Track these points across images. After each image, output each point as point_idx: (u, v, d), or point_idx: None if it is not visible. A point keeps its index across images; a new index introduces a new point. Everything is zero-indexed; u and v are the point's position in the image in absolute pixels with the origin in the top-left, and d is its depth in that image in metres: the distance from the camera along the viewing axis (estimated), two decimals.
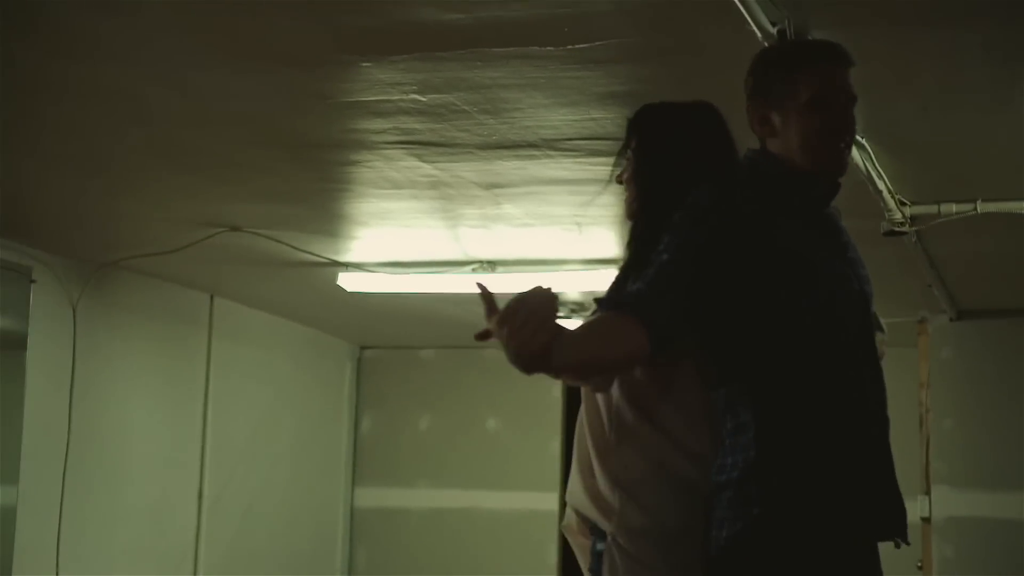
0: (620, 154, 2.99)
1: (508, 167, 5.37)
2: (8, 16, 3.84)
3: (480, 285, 2.39)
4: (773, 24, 3.63)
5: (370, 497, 10.40)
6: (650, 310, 2.48)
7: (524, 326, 2.33)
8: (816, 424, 2.52)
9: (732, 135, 2.91)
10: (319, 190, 5.92)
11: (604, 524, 2.79)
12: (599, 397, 2.86)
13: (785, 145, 2.65)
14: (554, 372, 2.47)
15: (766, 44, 3.62)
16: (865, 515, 2.54)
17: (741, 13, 3.48)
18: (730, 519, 2.53)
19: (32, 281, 6.99)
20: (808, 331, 2.53)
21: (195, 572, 8.37)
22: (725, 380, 2.60)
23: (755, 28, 3.56)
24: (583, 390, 2.91)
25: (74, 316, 7.26)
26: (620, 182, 2.99)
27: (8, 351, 7.15)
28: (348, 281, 7.47)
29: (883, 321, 2.82)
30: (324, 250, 7.03)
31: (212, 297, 8.49)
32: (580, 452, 2.91)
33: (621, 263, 2.91)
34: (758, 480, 2.50)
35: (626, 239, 2.93)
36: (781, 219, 2.58)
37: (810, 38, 2.70)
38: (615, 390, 2.81)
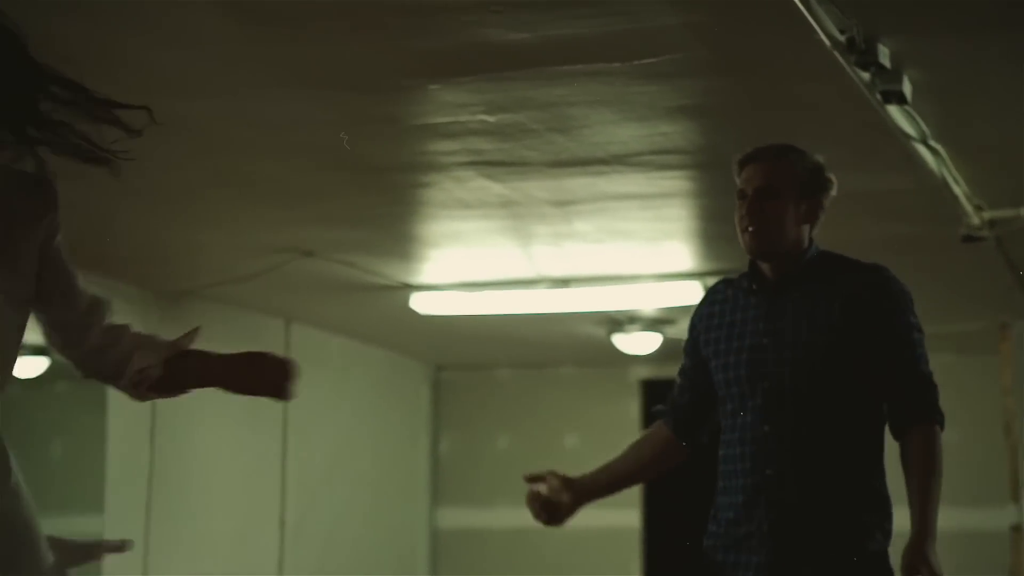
0: None
1: (578, 184, 5.35)
2: (76, 54, 3.89)
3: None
4: (841, 32, 3.60)
5: (451, 518, 10.40)
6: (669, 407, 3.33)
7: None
8: (723, 466, 3.14)
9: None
10: (390, 213, 5.94)
11: None
12: None
13: None
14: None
15: (835, 53, 3.59)
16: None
17: (808, 22, 3.44)
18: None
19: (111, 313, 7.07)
20: (722, 392, 3.14)
21: None
22: None
23: (823, 37, 3.53)
24: None
25: None
26: None
27: (89, 382, 7.22)
28: (421, 303, 7.48)
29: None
30: (396, 273, 7.05)
31: (288, 323, 8.55)
32: None
33: None
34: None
35: None
36: (730, 300, 3.17)
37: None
38: None
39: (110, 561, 7.16)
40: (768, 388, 3.05)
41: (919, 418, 2.99)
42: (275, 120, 4.54)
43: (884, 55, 3.78)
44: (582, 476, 3.40)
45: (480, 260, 6.81)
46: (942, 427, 3.01)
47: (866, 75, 3.89)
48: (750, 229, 3.07)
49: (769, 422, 3.04)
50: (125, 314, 7.97)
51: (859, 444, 3.02)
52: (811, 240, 3.14)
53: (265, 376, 2.45)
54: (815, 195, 3.13)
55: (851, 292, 3.05)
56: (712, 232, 6.24)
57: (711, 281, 6.91)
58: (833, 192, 3.17)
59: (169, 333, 8.14)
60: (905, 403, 3.01)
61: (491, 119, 4.50)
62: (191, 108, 4.39)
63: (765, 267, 3.13)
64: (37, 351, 8.40)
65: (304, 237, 6.31)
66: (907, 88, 4.00)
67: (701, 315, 3.24)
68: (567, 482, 3.39)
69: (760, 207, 3.06)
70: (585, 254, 6.62)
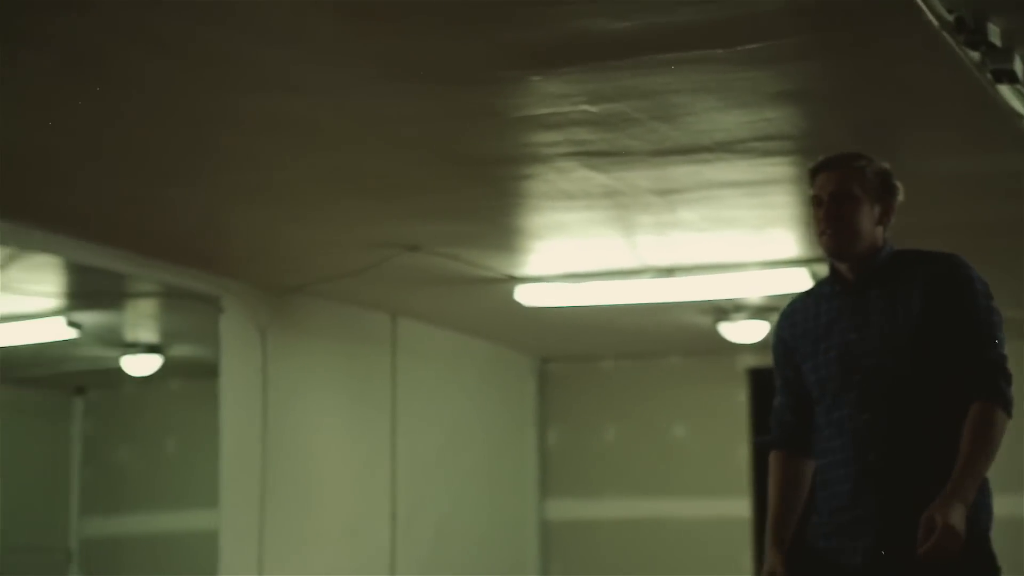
0: None
1: (682, 172, 5.32)
2: (186, 54, 3.94)
3: None
4: (950, 11, 3.53)
5: (561, 510, 10.40)
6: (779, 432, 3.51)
7: None
8: (823, 459, 3.34)
9: None
10: (493, 206, 5.95)
11: None
12: None
13: None
14: None
15: (944, 33, 3.53)
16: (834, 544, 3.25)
17: (915, 2, 3.39)
18: None
19: (221, 310, 7.17)
20: (816, 392, 3.33)
21: None
22: None
23: (931, 17, 3.47)
24: None
25: (263, 342, 7.42)
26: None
27: (202, 379, 7.35)
28: (525, 295, 7.49)
29: None
30: (501, 265, 7.06)
31: (394, 317, 8.60)
32: None
33: None
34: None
35: None
36: (811, 307, 3.38)
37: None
38: None
39: (227, 558, 7.28)
40: (861, 380, 3.23)
41: (978, 397, 3.13)
42: (379, 115, 4.57)
43: (994, 34, 3.71)
44: (777, 549, 3.41)
45: (584, 251, 6.80)
46: (1007, 411, 3.14)
47: (976, 55, 3.81)
48: (828, 232, 3.28)
49: (866, 411, 3.22)
50: (236, 312, 8.11)
51: (953, 425, 3.13)
52: (885, 240, 3.32)
53: None
54: (886, 198, 3.31)
55: (926, 282, 3.23)
56: None
57: (817, 267, 6.89)
58: (901, 197, 3.33)
59: (278, 329, 8.29)
60: (968, 384, 3.15)
61: (593, 109, 4.49)
62: (296, 105, 4.43)
63: (843, 268, 3.32)
64: (151, 349, 8.57)
65: (409, 231, 6.34)
66: (1019, 66, 3.92)
67: (783, 327, 3.47)
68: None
69: (837, 211, 3.27)
70: (690, 243, 6.58)
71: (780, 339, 3.48)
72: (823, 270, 5.23)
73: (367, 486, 8.37)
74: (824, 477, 3.32)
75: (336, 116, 4.58)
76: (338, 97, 4.36)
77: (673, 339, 9.53)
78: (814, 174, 3.33)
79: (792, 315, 3.46)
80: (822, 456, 3.32)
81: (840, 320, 3.31)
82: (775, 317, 7.34)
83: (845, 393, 3.26)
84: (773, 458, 3.51)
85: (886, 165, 3.33)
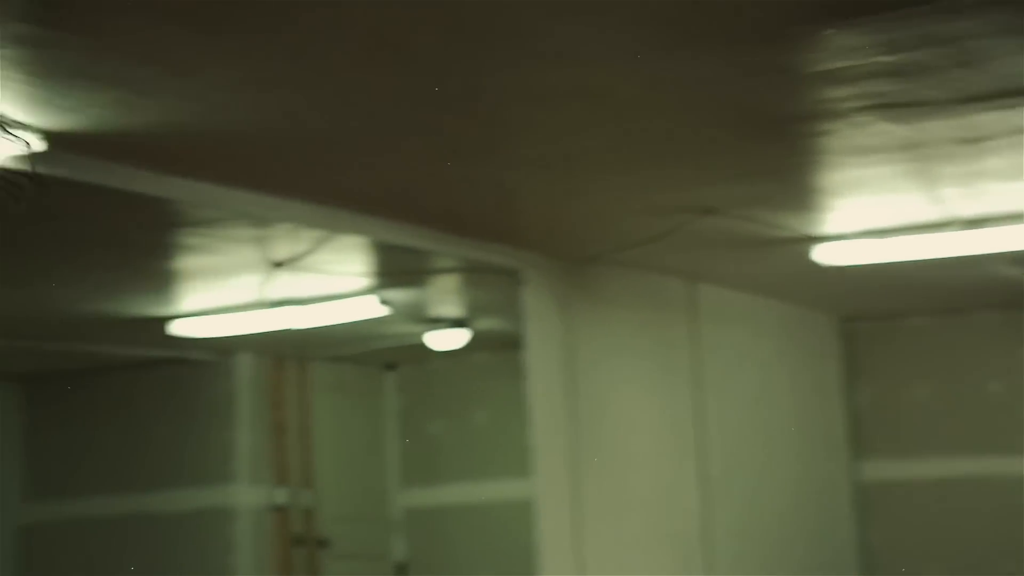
0: None
1: (988, 120, 5.12)
2: (482, 31, 4.02)
3: None
4: None
5: (875, 471, 10.19)
6: None
7: None
8: None
9: None
10: (789, 165, 5.86)
11: None
12: None
13: None
14: None
15: None
16: None
17: None
18: None
19: (522, 283, 7.32)
20: None
21: (706, 555, 8.48)
22: None
23: None
24: None
25: (564, 313, 7.52)
26: None
27: (508, 351, 7.52)
28: (824, 254, 7.36)
29: None
30: (798, 224, 6.96)
31: (692, 282, 8.58)
32: None
33: None
34: None
35: None
36: None
37: None
38: None
39: (544, 525, 7.44)
40: None
41: None
42: (671, 79, 4.56)
43: None
44: None
45: (885, 206, 6.63)
46: None
47: None
48: None
49: None
50: (536, 283, 8.25)
51: None
52: None
53: None
54: None
55: None
56: None
57: None
58: None
59: (578, 299, 8.40)
60: None
61: (890, 59, 4.36)
62: (589, 74, 4.46)
63: None
64: (458, 323, 8.81)
65: (704, 195, 6.32)
66: None
67: None
68: None
69: None
70: (998, 192, 6.34)
71: None
72: None
73: (677, 453, 8.39)
74: None
75: (629, 82, 4.60)
76: (630, 63, 4.37)
77: (983, 293, 9.20)
78: None
79: None
80: None
81: None
82: None
83: None
84: None
85: None
